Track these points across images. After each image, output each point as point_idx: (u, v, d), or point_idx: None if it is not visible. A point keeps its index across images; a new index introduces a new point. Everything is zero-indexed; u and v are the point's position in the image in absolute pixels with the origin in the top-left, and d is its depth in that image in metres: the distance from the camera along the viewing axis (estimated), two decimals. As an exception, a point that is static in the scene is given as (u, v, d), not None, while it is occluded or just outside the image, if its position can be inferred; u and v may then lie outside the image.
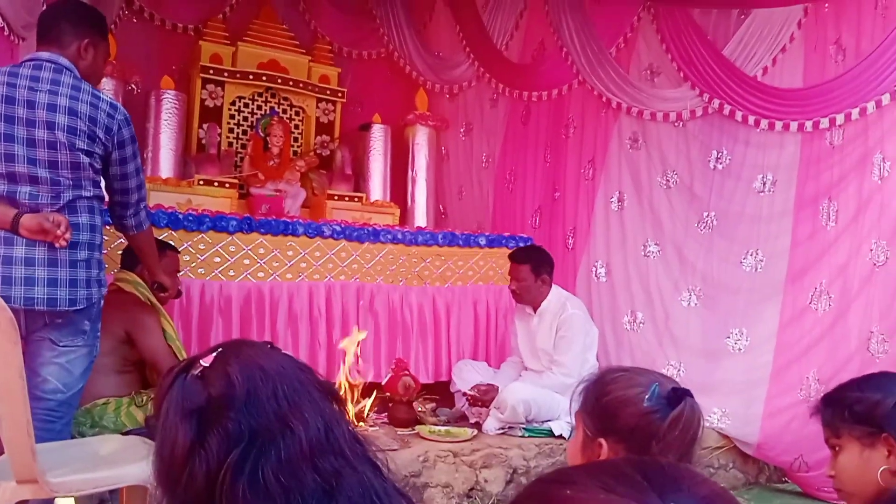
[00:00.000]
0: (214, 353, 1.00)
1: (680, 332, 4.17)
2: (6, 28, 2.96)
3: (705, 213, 4.21)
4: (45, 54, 2.39)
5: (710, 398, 3.78)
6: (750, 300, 3.95)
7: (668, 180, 4.40)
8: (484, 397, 3.74)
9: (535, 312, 3.92)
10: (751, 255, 4.00)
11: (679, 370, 4.06)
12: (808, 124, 3.95)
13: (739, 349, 3.96)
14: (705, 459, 3.66)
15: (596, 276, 4.61)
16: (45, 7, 3.22)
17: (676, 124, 4.43)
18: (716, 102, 4.26)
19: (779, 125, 4.05)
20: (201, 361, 0.99)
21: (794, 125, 4.00)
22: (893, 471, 1.46)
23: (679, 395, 1.36)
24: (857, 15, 3.93)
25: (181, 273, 3.50)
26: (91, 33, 2.49)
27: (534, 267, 3.86)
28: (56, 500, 2.25)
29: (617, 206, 4.58)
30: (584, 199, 4.72)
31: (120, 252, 3.29)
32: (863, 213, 3.72)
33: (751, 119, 4.14)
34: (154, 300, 3.10)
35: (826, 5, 4.03)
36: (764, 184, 4.05)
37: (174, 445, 0.92)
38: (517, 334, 4.04)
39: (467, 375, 3.99)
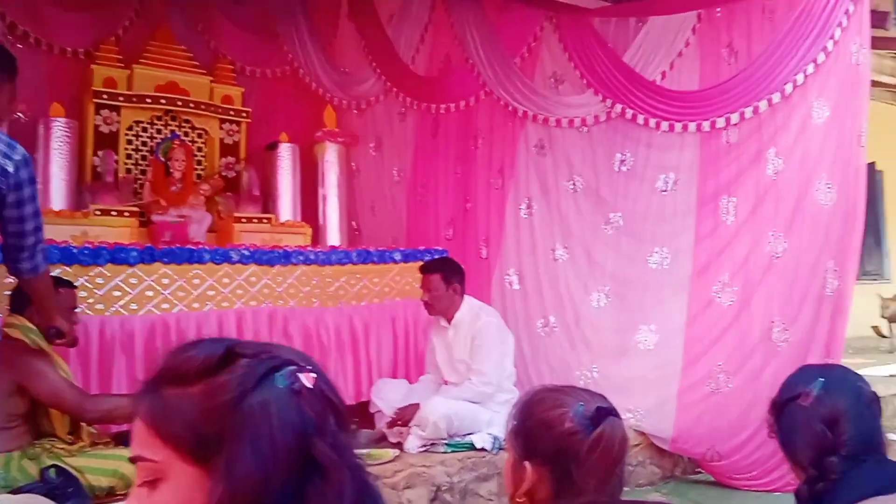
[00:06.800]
0: None
1: (591, 334, 4.22)
2: None
3: (612, 215, 4.28)
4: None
5: (624, 397, 3.82)
6: (658, 297, 4.03)
7: (574, 184, 4.46)
8: (403, 416, 3.69)
9: (449, 324, 3.89)
10: (657, 252, 4.08)
11: (592, 372, 4.09)
12: (706, 124, 4.07)
13: (650, 346, 4.03)
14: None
15: (509, 283, 4.62)
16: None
17: (581, 130, 4.50)
18: (618, 107, 4.35)
19: (678, 126, 4.17)
20: None
21: (692, 126, 4.12)
22: None
23: (601, 415, 1.32)
24: (746, 19, 4.10)
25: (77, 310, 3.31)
26: None
27: (444, 276, 3.84)
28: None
29: (526, 213, 4.61)
30: (494, 207, 4.74)
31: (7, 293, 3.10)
32: (760, 206, 3.86)
33: (651, 122, 4.24)
34: (43, 345, 2.92)
35: (718, 11, 4.17)
36: (666, 183, 4.15)
37: None
38: (434, 350, 4.00)
39: (386, 395, 3.92)
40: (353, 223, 5.57)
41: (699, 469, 4.03)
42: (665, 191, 4.16)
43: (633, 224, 4.21)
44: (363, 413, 4.02)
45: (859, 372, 1.62)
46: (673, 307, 3.95)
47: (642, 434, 3.95)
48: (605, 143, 4.41)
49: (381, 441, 3.81)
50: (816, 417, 1.43)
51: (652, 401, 3.90)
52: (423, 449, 3.62)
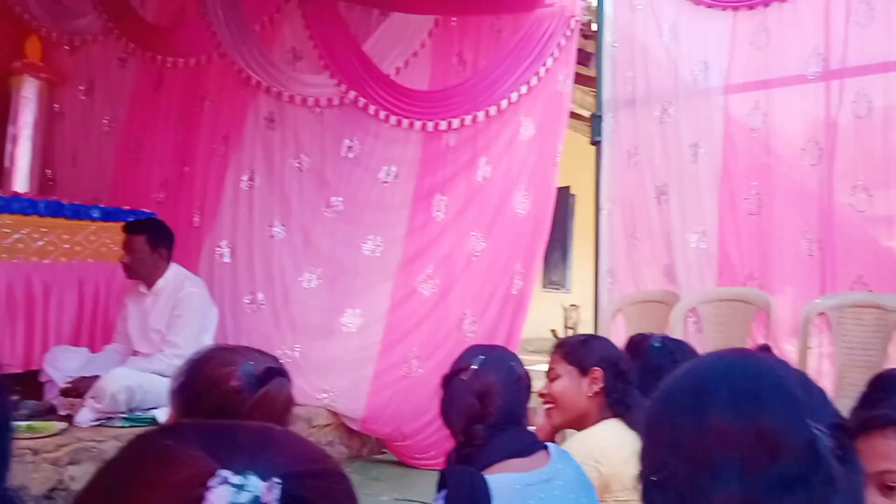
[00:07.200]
0: None
1: (298, 313, 4.23)
2: None
3: (333, 198, 4.33)
4: None
5: (323, 377, 3.89)
6: (366, 283, 4.16)
7: (300, 164, 4.43)
8: (78, 387, 3.34)
9: (149, 291, 3.62)
10: (371, 240, 4.21)
11: (294, 351, 4.08)
12: (430, 124, 4.29)
13: (353, 329, 4.14)
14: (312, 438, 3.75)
15: (219, 255, 4.44)
16: None
17: (314, 110, 4.48)
18: (352, 94, 4.40)
19: (405, 122, 4.34)
20: None
21: (418, 124, 4.31)
22: None
23: (269, 375, 1.30)
24: (476, 33, 4.40)
25: None
26: None
27: (151, 239, 3.57)
28: None
29: (247, 185, 4.47)
30: (214, 175, 4.53)
31: None
32: (467, 208, 4.16)
33: (382, 114, 4.36)
34: None
35: (453, 20, 4.42)
36: (388, 175, 4.30)
37: None
38: (128, 317, 3.69)
39: (61, 363, 3.53)
40: (48, 171, 4.95)
41: (385, 450, 4.22)
42: (386, 182, 4.30)
43: (352, 210, 4.29)
44: (31, 383, 3.58)
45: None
46: (379, 293, 4.10)
47: (335, 414, 4.03)
48: (335, 127, 4.44)
49: (49, 413, 3.42)
50: (471, 390, 1.57)
51: (347, 382, 3.99)
52: (97, 423, 3.32)
